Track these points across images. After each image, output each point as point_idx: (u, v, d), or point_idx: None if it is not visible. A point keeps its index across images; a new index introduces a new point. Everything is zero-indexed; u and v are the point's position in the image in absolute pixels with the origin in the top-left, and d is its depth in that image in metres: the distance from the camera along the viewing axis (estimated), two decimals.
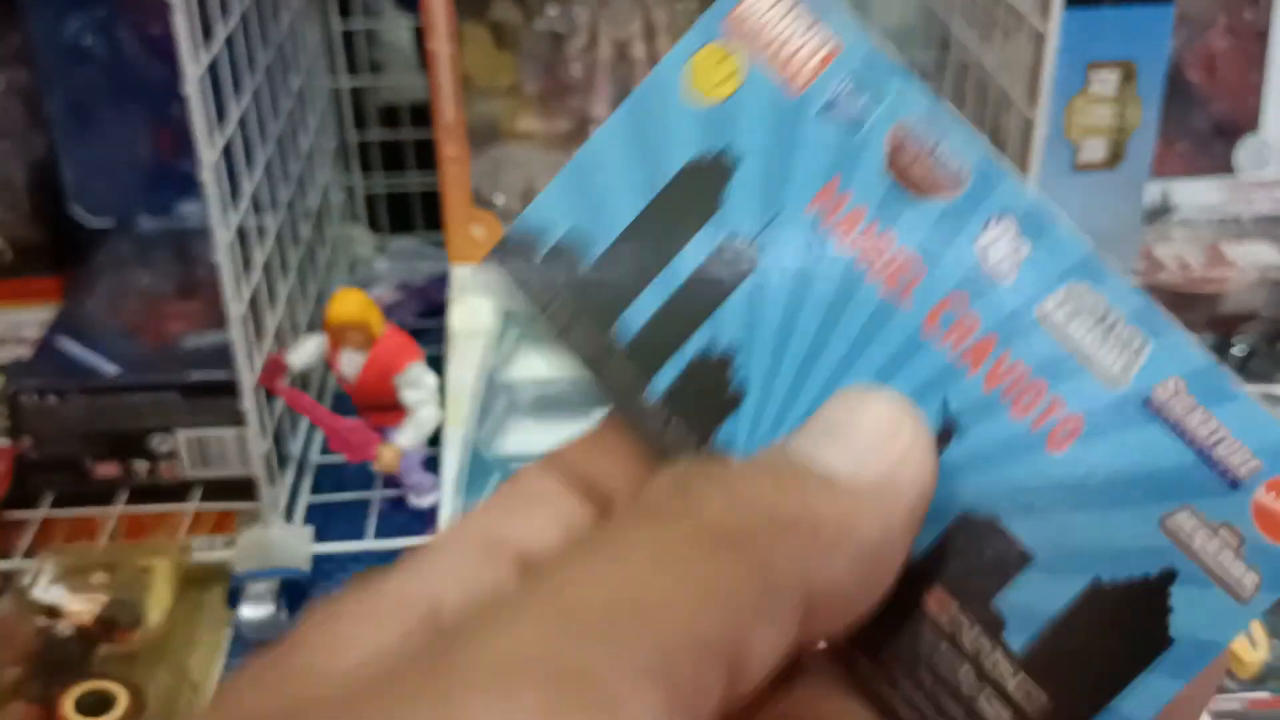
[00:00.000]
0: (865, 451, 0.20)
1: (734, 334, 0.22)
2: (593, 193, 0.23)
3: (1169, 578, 0.19)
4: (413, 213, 0.94)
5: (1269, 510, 0.19)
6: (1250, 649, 0.56)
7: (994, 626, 0.20)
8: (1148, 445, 0.20)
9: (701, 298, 0.22)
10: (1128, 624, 0.19)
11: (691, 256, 0.22)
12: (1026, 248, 0.21)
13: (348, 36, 0.90)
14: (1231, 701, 0.58)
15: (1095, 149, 0.71)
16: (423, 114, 0.82)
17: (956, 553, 0.21)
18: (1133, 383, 0.20)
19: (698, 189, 0.22)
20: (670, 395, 0.22)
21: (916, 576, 0.21)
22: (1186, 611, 0.19)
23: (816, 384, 0.22)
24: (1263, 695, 0.58)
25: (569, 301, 0.23)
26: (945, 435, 0.21)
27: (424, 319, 0.86)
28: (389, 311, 0.84)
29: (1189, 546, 0.19)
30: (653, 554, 0.18)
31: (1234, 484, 0.19)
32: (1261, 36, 0.86)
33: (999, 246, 0.21)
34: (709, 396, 0.22)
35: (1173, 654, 0.19)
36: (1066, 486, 0.20)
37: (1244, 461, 0.19)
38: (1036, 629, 0.20)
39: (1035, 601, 0.20)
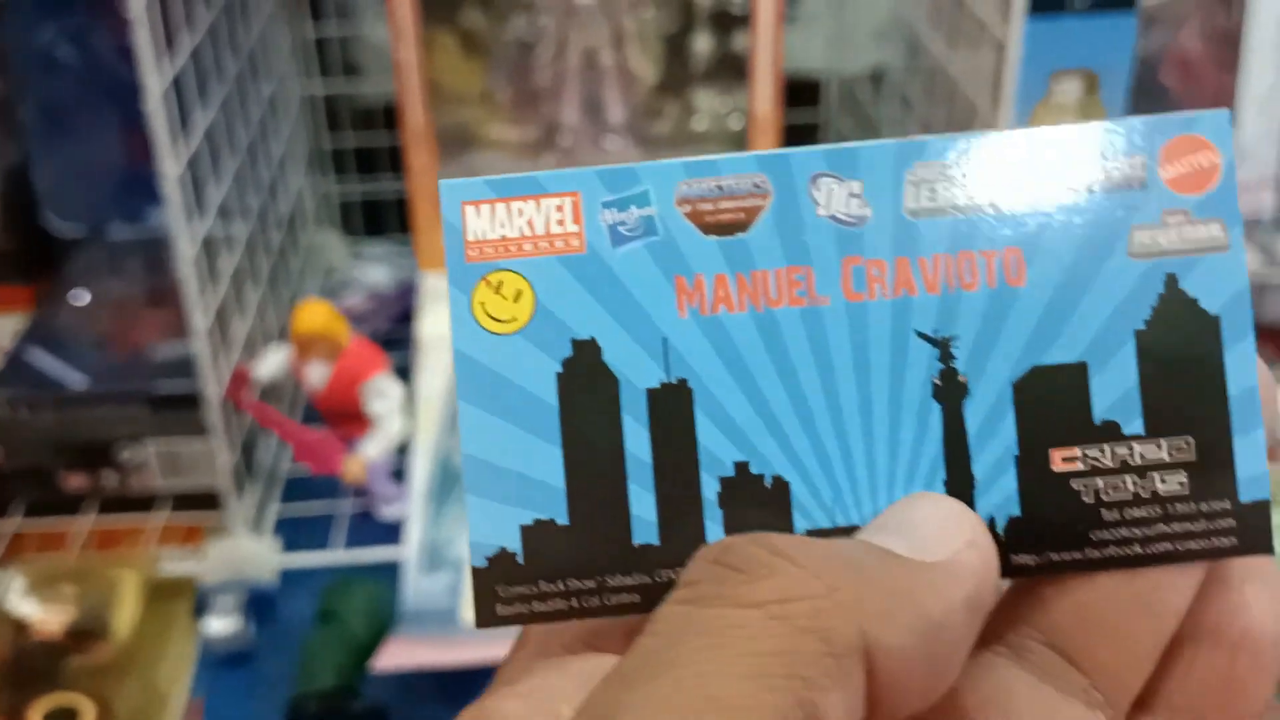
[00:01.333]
0: (927, 540, 0.20)
1: (731, 448, 0.22)
2: (507, 476, 0.23)
3: (1174, 281, 0.22)
4: (387, 217, 0.94)
5: (1175, 179, 0.22)
6: None
7: (1113, 432, 0.22)
8: (1071, 221, 0.22)
9: (679, 448, 0.22)
10: (1183, 338, 0.22)
11: (635, 431, 0.23)
12: (856, 183, 0.22)
13: (320, 42, 0.89)
14: None
15: None
16: (396, 117, 0.82)
17: (1039, 414, 0.22)
18: None
19: (583, 385, 0.23)
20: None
21: (1031, 459, 0.22)
22: (1205, 291, 0.22)
23: (838, 426, 0.22)
24: None
25: (584, 565, 0.23)
26: (946, 351, 0.22)
27: (398, 325, 0.86)
28: (362, 318, 0.84)
29: (1163, 249, 0.22)
30: (705, 643, 0.18)
31: (1141, 184, 0.22)
32: (1234, 40, 0.86)
33: (837, 201, 0.22)
34: (763, 514, 0.22)
35: (1226, 325, 0.22)
36: (1052, 296, 0.22)
37: (1130, 165, 0.22)
38: (1137, 404, 0.22)
39: (1117, 388, 0.22)
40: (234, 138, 0.72)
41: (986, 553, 0.20)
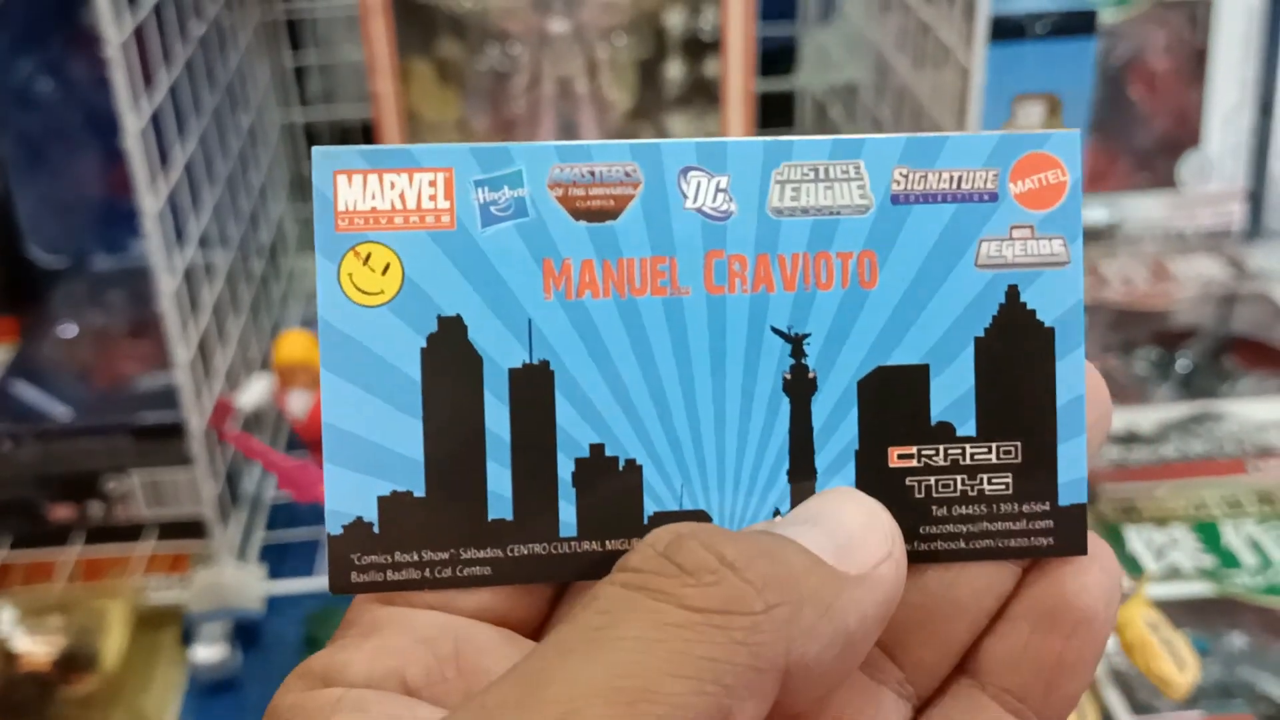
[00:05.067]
0: (852, 546, 0.21)
1: (588, 430, 0.23)
2: (367, 447, 0.23)
3: (1015, 294, 0.23)
4: None
5: (1024, 194, 0.23)
6: (1179, 671, 0.57)
7: (948, 433, 0.23)
8: (922, 227, 0.23)
9: (537, 428, 0.23)
10: (1018, 348, 0.23)
11: (495, 409, 0.23)
12: (723, 178, 0.23)
13: (299, 70, 0.90)
14: None
15: None
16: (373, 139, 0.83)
17: (880, 412, 0.23)
18: (875, 197, 0.23)
19: (446, 362, 0.23)
20: (582, 518, 0.23)
21: (870, 454, 0.23)
22: (1043, 303, 0.23)
23: (691, 414, 0.23)
24: (1194, 716, 0.59)
25: (438, 537, 0.23)
26: (798, 348, 0.23)
27: None
28: None
29: (1007, 261, 0.23)
30: (647, 634, 0.19)
31: (992, 197, 0.23)
32: (1200, 54, 0.88)
33: (705, 195, 0.23)
34: (614, 495, 0.23)
35: (1060, 336, 0.23)
36: (901, 300, 0.23)
37: (983, 179, 0.23)
38: (971, 408, 0.23)
39: (954, 391, 0.23)
40: (213, 170, 0.73)
41: (901, 566, 0.21)
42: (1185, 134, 0.89)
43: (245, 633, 0.67)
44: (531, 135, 0.78)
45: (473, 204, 0.23)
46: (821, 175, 0.23)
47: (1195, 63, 0.88)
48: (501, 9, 0.75)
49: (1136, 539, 0.69)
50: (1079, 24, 0.67)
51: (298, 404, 0.70)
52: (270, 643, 0.68)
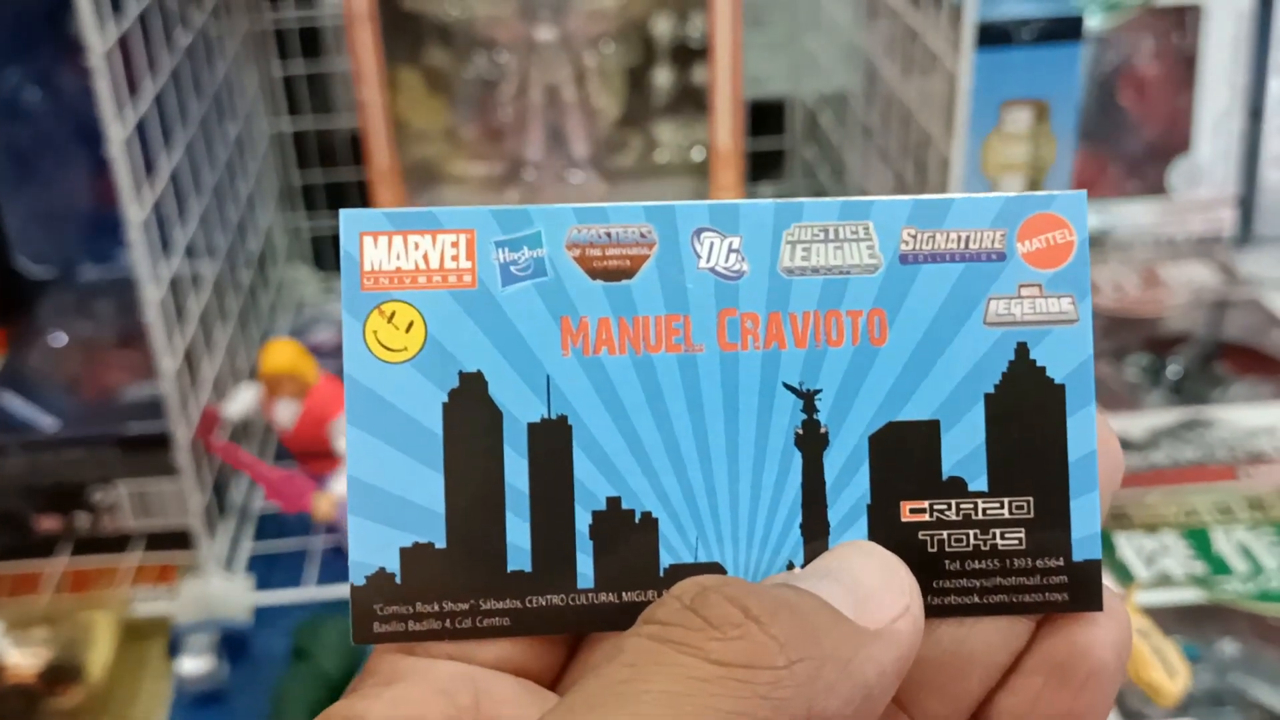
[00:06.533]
0: (869, 600, 0.21)
1: (605, 483, 0.24)
2: (390, 499, 0.24)
3: (1024, 350, 0.23)
4: None
5: (1032, 253, 0.23)
6: (1169, 678, 0.57)
7: (959, 488, 0.24)
8: (931, 286, 0.23)
9: (555, 481, 0.24)
10: (1029, 405, 0.23)
11: (514, 463, 0.24)
12: (735, 239, 0.24)
13: (288, 80, 0.90)
14: None
15: (1012, 185, 0.72)
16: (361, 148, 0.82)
17: (892, 466, 0.24)
18: (884, 257, 0.24)
19: (467, 416, 0.24)
20: (599, 570, 0.24)
21: (882, 508, 0.23)
22: (1053, 360, 0.23)
23: (705, 468, 0.24)
24: None
25: (459, 588, 0.23)
26: (810, 403, 0.24)
27: None
28: (334, 353, 0.85)
29: (1016, 319, 0.23)
30: (672, 688, 0.19)
31: (1000, 257, 0.23)
32: (1189, 61, 0.88)
33: (717, 255, 0.24)
34: (631, 547, 0.24)
35: (1070, 393, 0.23)
36: (911, 356, 0.23)
37: (990, 238, 0.23)
38: (983, 463, 0.23)
39: (965, 447, 0.23)
40: (200, 179, 0.73)
41: (918, 621, 0.21)
42: (1175, 140, 0.89)
43: (232, 644, 0.67)
44: (519, 143, 0.78)
45: (493, 264, 0.24)
46: (831, 236, 0.24)
47: (1185, 69, 0.88)
48: (489, 17, 0.75)
49: (1127, 546, 0.69)
50: (1067, 30, 0.67)
51: (284, 413, 0.69)
52: (257, 654, 0.67)
